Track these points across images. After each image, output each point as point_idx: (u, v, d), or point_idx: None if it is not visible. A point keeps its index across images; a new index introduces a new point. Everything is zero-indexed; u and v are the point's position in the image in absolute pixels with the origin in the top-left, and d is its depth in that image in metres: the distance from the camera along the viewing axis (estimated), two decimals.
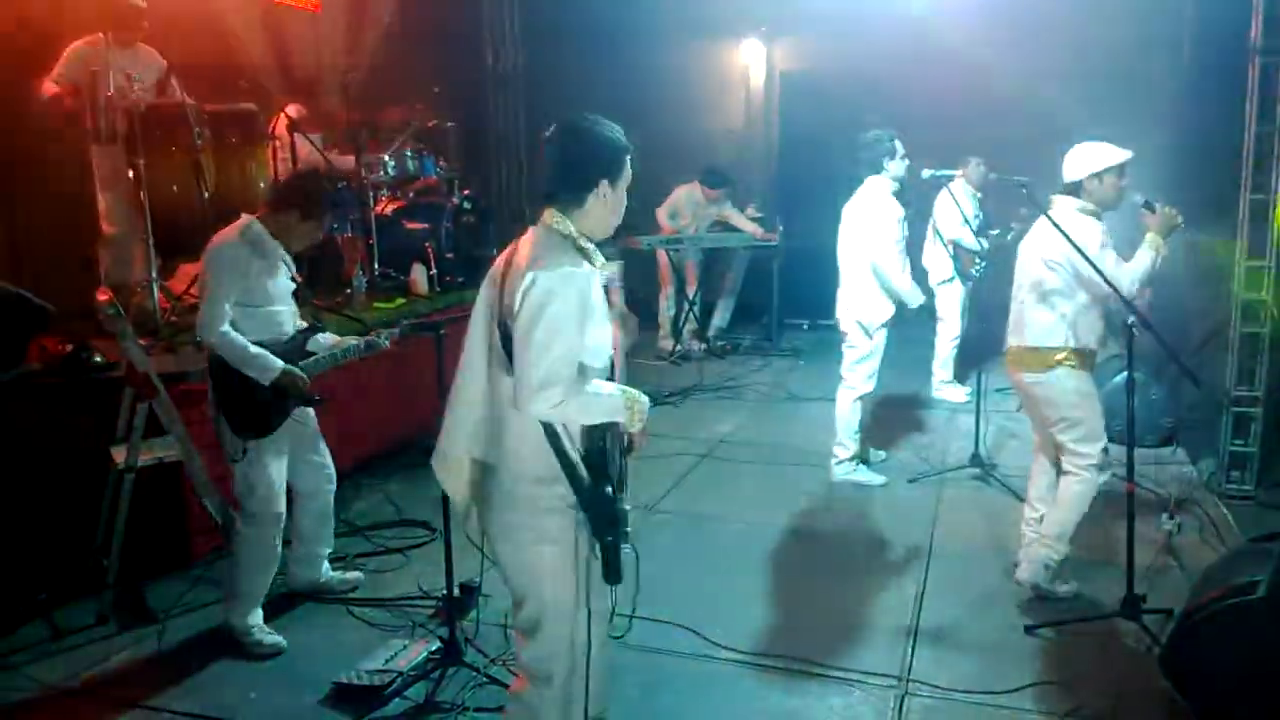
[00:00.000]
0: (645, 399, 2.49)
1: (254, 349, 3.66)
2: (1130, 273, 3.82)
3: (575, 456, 2.43)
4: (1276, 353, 5.16)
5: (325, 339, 4.01)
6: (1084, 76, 8.14)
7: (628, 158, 2.51)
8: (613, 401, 2.43)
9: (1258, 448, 5.19)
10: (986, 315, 7.59)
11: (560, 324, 2.33)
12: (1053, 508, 4.10)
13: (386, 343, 4.02)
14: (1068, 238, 3.74)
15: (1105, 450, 3.99)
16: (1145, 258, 3.86)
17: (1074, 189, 3.96)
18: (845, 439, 5.49)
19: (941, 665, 3.64)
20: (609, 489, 2.43)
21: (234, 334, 3.64)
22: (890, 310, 5.34)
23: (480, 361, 2.52)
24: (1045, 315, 3.95)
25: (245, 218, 3.80)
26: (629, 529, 2.49)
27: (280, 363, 3.70)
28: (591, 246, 2.49)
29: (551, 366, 2.31)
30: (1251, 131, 5.03)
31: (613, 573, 2.46)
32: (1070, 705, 3.32)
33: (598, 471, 2.43)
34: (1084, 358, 3.96)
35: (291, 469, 3.96)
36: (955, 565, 4.44)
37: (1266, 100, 4.98)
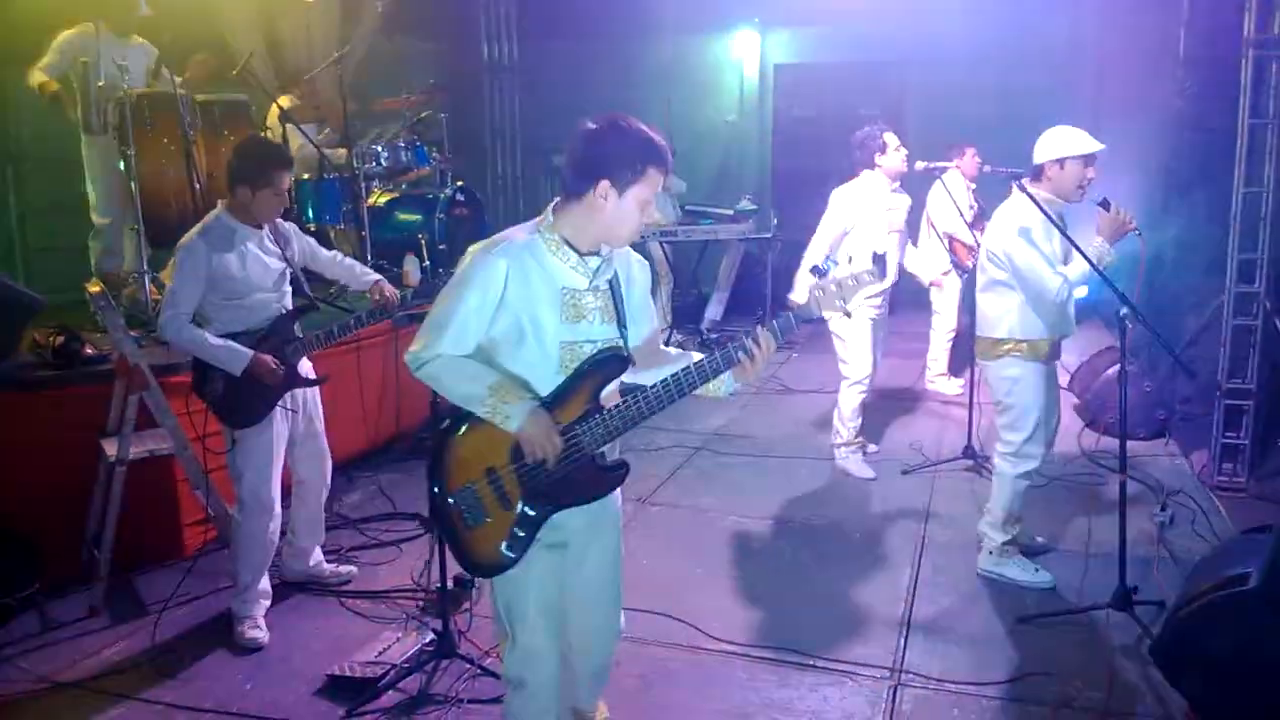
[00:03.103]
0: (522, 405, 2.32)
1: (215, 341, 3.63)
2: (1063, 281, 3.76)
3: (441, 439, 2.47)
4: (1268, 345, 5.17)
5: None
6: (1079, 67, 8.15)
7: (650, 170, 2.34)
8: (471, 389, 2.34)
9: (1249, 440, 5.20)
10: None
11: (455, 284, 2.36)
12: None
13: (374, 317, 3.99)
14: (1063, 232, 3.73)
15: (1030, 441, 4.04)
16: (1081, 265, 3.78)
17: (1037, 174, 3.93)
18: (839, 425, 5.52)
19: (934, 656, 3.64)
20: (436, 486, 2.45)
21: (191, 330, 3.61)
22: (868, 295, 5.31)
23: None
24: (992, 307, 4.02)
25: (215, 210, 3.77)
26: (520, 535, 2.43)
27: (248, 351, 3.66)
28: (556, 240, 2.38)
29: (430, 320, 2.36)
30: (1245, 124, 5.02)
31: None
32: (1063, 696, 3.33)
33: (432, 463, 2.47)
34: (1034, 347, 3.98)
35: (292, 458, 3.95)
36: (948, 557, 4.45)
37: (1260, 93, 4.98)
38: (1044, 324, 3.95)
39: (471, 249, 2.40)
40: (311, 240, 4.09)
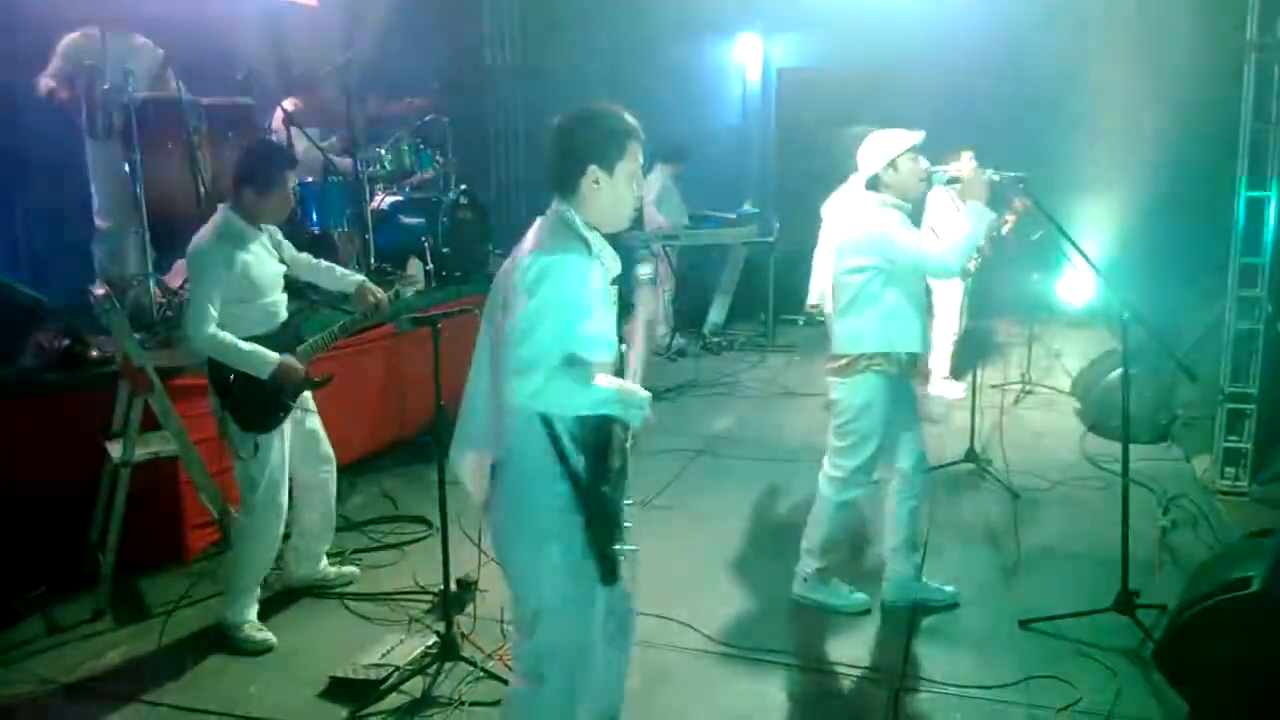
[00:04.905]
0: (644, 393, 2.42)
1: (245, 346, 3.62)
2: (949, 248, 3.70)
3: (572, 452, 2.36)
4: (1271, 349, 5.17)
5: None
6: (1080, 71, 8.14)
7: (630, 143, 2.41)
8: (602, 394, 2.33)
9: (1252, 444, 5.19)
10: (981, 312, 7.63)
11: (550, 307, 2.27)
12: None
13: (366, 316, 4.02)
14: (1059, 227, 3.72)
15: (862, 469, 3.91)
16: (963, 226, 3.71)
17: (874, 184, 3.87)
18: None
19: (937, 660, 3.65)
20: (605, 488, 2.36)
21: (221, 334, 3.58)
22: None
23: (487, 357, 2.50)
24: (852, 322, 3.83)
25: (220, 211, 3.76)
26: (629, 527, 2.44)
27: (275, 355, 3.67)
28: (595, 237, 2.42)
29: (535, 349, 2.24)
30: (1247, 127, 5.02)
31: (608, 574, 2.40)
32: (1065, 700, 3.33)
33: (595, 469, 2.36)
34: (899, 363, 3.82)
35: (293, 462, 3.95)
36: (950, 560, 4.45)
37: (1262, 96, 4.98)
38: (915, 338, 3.84)
39: (544, 261, 2.31)
40: (289, 243, 4.07)
